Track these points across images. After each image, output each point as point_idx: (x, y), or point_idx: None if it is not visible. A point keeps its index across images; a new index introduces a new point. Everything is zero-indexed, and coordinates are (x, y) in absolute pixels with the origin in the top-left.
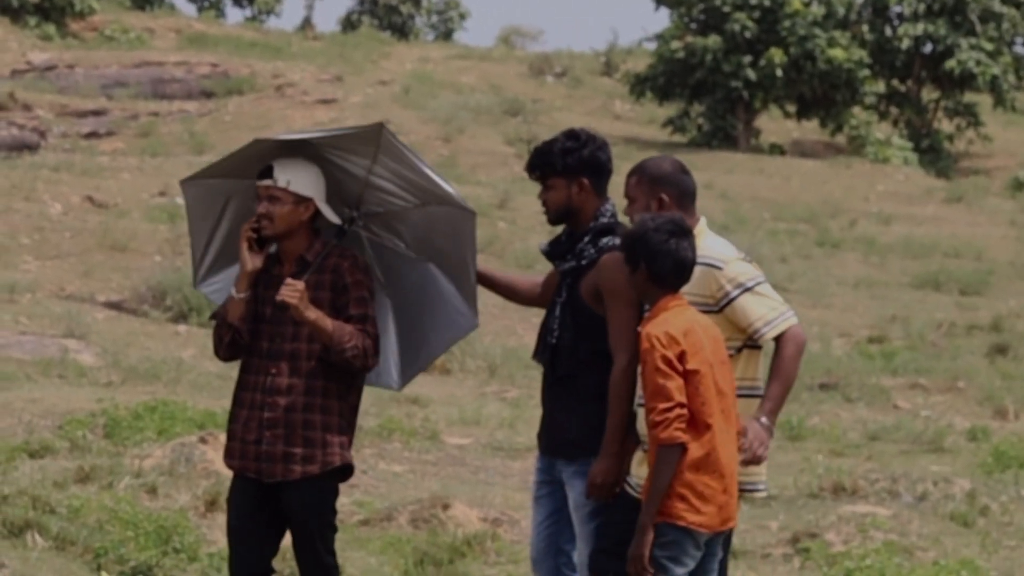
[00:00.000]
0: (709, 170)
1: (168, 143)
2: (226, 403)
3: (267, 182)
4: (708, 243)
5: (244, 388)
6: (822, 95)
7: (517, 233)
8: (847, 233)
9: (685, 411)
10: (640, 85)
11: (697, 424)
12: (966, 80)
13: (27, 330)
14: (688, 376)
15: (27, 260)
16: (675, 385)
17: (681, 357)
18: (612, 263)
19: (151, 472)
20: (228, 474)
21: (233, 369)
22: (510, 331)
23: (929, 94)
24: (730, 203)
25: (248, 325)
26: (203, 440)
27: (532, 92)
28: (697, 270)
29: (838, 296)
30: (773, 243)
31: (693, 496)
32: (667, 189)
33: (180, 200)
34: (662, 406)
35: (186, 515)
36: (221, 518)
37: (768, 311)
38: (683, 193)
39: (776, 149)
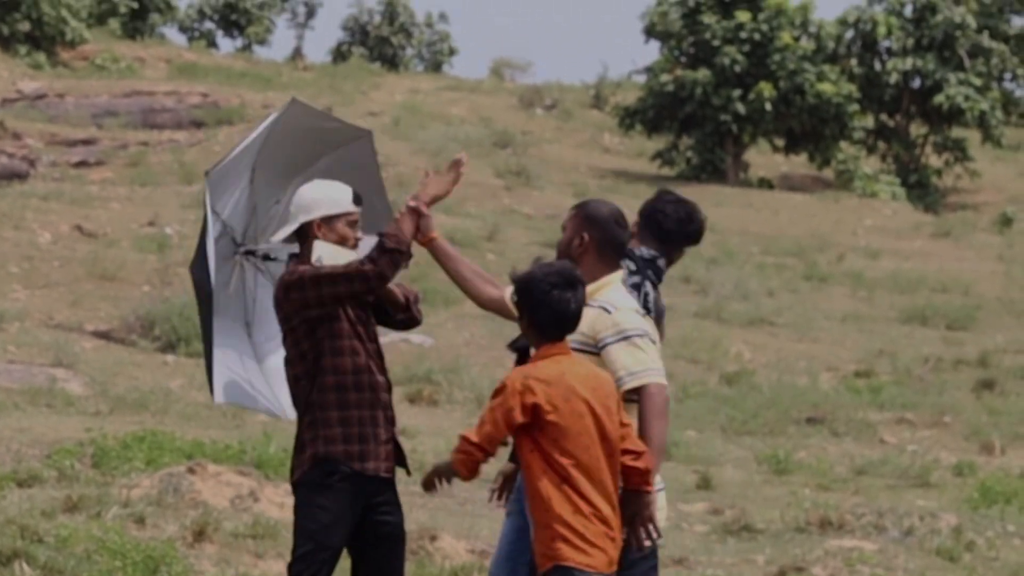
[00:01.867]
0: (698, 203)
1: (158, 173)
2: (214, 433)
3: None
4: (612, 293)
5: (362, 389)
6: (811, 129)
7: (505, 265)
8: (835, 267)
9: (481, 456)
10: (629, 118)
11: (557, 472)
12: (954, 115)
13: (15, 359)
14: (545, 427)
15: (16, 289)
16: (490, 433)
17: (531, 408)
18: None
19: (139, 502)
20: (215, 505)
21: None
22: (498, 362)
23: (917, 129)
24: (718, 236)
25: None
26: (191, 470)
27: (522, 124)
28: (592, 312)
29: (825, 330)
30: (761, 277)
31: (576, 538)
32: (592, 231)
33: (169, 230)
34: (471, 437)
35: (174, 545)
36: (209, 548)
37: (634, 363)
38: (607, 240)
39: (765, 183)
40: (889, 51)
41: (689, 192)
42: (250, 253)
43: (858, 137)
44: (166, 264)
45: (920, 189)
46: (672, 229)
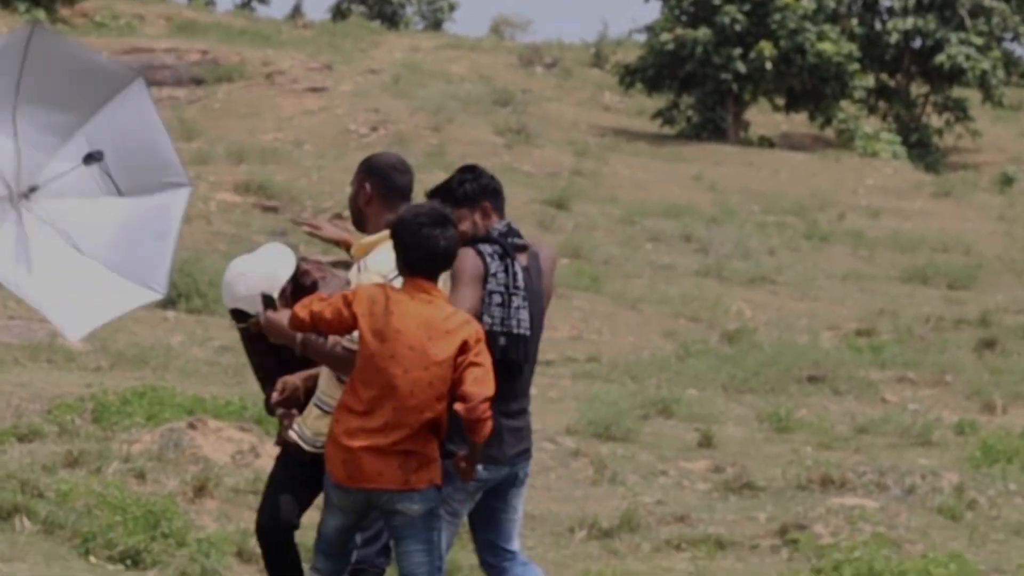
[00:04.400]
0: (698, 162)
1: None
2: (214, 389)
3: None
4: (376, 256)
5: None
6: (811, 88)
7: None
8: (836, 226)
9: (307, 318)
10: (630, 76)
11: (349, 383)
12: (955, 75)
13: (15, 314)
14: (360, 340)
15: None
16: (321, 315)
17: (353, 316)
18: (459, 255)
19: (139, 457)
20: (216, 460)
21: (220, 355)
22: None
23: (918, 88)
24: (719, 195)
25: None
26: (192, 426)
27: (522, 83)
28: (351, 270)
29: (826, 289)
30: (761, 235)
31: (329, 441)
32: (372, 180)
33: None
34: (305, 309)
35: (174, 500)
36: (210, 504)
37: None
38: (387, 187)
39: (765, 142)
40: (890, 10)
41: (690, 150)
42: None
43: (859, 96)
44: None
45: (921, 149)
46: (467, 191)
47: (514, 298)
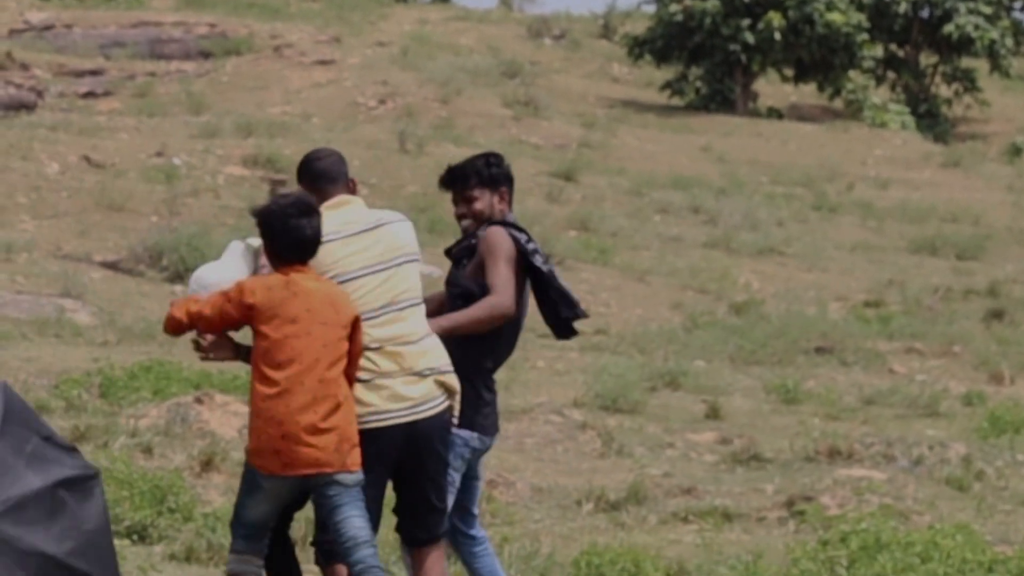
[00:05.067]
0: (707, 133)
1: (165, 103)
2: (221, 363)
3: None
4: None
5: None
6: (820, 59)
7: (515, 195)
8: (844, 197)
9: (183, 318)
10: (638, 48)
11: (258, 375)
12: (964, 45)
13: (23, 289)
14: (257, 333)
15: (24, 219)
16: (200, 314)
17: (247, 309)
18: (490, 232)
19: (146, 432)
20: (223, 435)
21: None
22: None
23: (927, 59)
24: (727, 166)
25: None
26: (199, 400)
27: (530, 54)
28: None
29: (835, 260)
30: (770, 207)
31: (253, 437)
32: (301, 180)
33: (177, 161)
34: (182, 310)
35: (181, 475)
36: (216, 478)
37: None
38: (313, 177)
39: (774, 113)
40: None
41: (698, 122)
42: None
43: (867, 67)
44: (174, 195)
45: (930, 119)
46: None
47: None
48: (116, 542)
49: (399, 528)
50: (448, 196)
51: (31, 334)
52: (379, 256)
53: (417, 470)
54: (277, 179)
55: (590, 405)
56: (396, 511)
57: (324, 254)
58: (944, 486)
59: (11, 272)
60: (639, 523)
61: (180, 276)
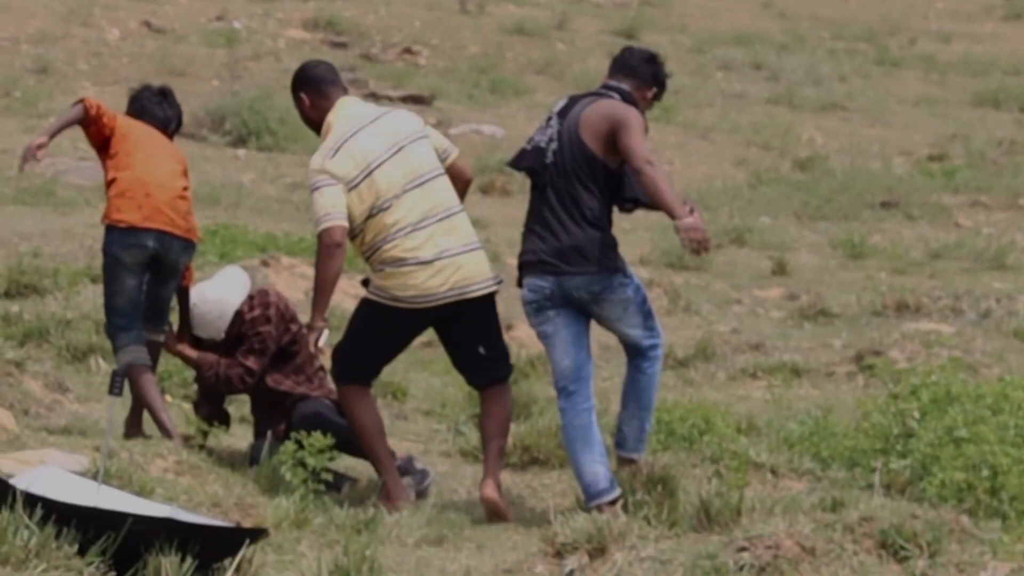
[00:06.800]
0: None
1: None
2: (287, 226)
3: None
4: (316, 154)
5: None
6: None
7: (576, 54)
8: (906, 51)
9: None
10: None
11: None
12: None
13: (86, 156)
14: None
15: (85, 86)
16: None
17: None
18: (618, 105)
19: None
20: (290, 296)
21: (291, 192)
22: None
23: None
24: (789, 22)
25: None
26: (265, 263)
27: None
28: None
29: (898, 115)
30: (832, 62)
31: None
32: (302, 90)
33: (237, 24)
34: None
35: None
36: None
37: (315, 211)
38: (314, 82)
39: None
40: None
41: None
42: None
43: None
44: (235, 58)
45: None
46: None
47: None
48: (184, 405)
49: (465, 378)
50: (508, 54)
51: (95, 200)
52: (392, 137)
53: (461, 331)
54: (337, 41)
55: (656, 263)
56: (455, 366)
57: (361, 157)
58: (1012, 338)
59: (73, 139)
60: (708, 380)
61: (243, 140)
